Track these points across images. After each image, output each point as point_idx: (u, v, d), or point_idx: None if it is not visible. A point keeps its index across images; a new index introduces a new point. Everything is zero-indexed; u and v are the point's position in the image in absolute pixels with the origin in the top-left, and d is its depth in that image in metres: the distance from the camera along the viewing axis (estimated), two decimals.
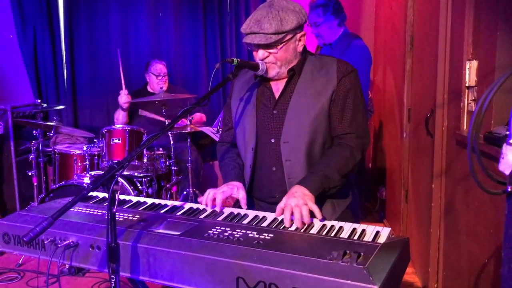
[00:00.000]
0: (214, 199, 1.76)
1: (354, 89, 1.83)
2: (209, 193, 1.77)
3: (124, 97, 3.89)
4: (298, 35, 1.81)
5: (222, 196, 1.75)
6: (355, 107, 1.83)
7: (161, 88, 4.00)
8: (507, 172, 0.98)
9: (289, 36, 1.77)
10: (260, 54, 1.78)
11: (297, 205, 1.58)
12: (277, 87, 1.88)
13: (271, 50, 1.77)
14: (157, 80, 4.20)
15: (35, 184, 3.81)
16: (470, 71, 2.21)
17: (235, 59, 1.73)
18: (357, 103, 1.83)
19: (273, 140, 1.85)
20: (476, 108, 0.91)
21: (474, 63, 2.19)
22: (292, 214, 1.57)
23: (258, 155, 1.89)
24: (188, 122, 3.79)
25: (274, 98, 1.87)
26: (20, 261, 3.52)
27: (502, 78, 0.90)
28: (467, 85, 2.24)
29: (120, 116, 4.02)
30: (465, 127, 2.31)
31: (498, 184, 1.01)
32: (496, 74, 1.94)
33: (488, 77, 2.05)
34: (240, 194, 1.79)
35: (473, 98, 2.24)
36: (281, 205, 1.64)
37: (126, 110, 3.97)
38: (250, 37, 1.76)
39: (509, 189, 0.98)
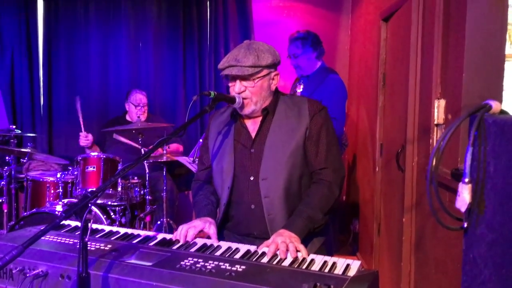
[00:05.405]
0: (186, 235, 1.76)
1: (326, 125, 1.91)
2: (182, 228, 1.78)
3: (83, 140, 3.87)
4: (273, 74, 1.89)
5: (194, 231, 1.77)
6: (328, 142, 1.90)
7: (139, 117, 4.00)
8: (462, 209, 1.04)
9: (264, 72, 1.84)
10: (236, 87, 1.84)
11: (283, 242, 1.62)
12: (253, 127, 1.93)
13: (247, 84, 1.83)
14: (135, 110, 4.19)
15: (5, 211, 3.72)
16: (439, 110, 2.31)
17: (212, 92, 1.77)
18: (330, 138, 1.91)
19: (252, 178, 1.89)
20: (435, 147, 0.96)
21: (442, 102, 2.28)
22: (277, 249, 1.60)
23: (236, 193, 1.92)
24: (164, 152, 3.79)
25: (250, 137, 1.92)
26: None
27: (458, 121, 0.97)
28: (435, 122, 2.34)
29: (89, 151, 3.95)
30: None
31: (457, 220, 1.07)
32: (463, 112, 2.03)
33: (455, 116, 2.14)
34: (211, 230, 1.81)
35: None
36: (267, 242, 1.67)
37: (91, 148, 3.95)
38: (228, 69, 1.82)
39: (465, 225, 1.03)
